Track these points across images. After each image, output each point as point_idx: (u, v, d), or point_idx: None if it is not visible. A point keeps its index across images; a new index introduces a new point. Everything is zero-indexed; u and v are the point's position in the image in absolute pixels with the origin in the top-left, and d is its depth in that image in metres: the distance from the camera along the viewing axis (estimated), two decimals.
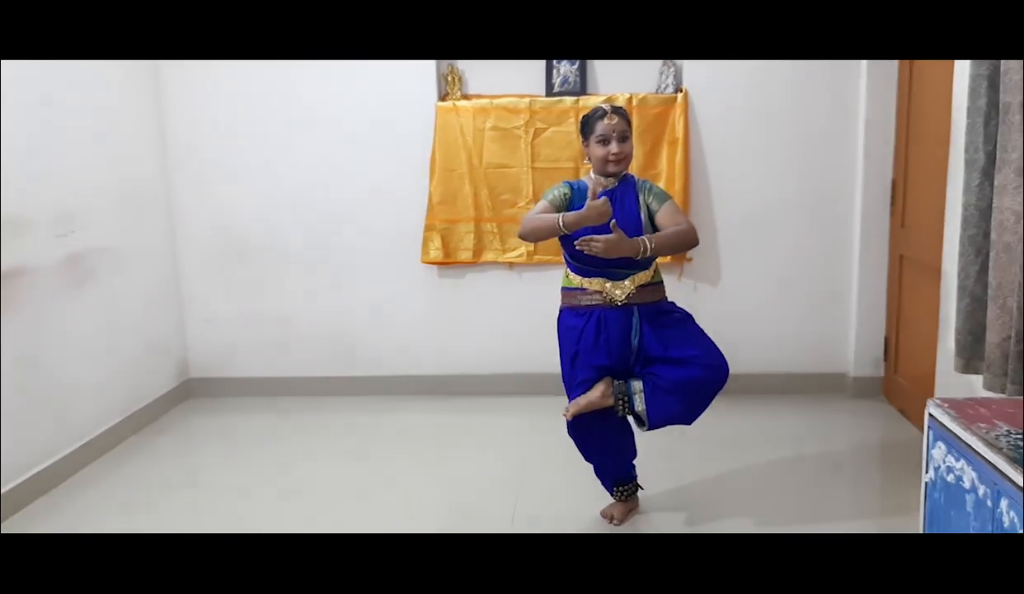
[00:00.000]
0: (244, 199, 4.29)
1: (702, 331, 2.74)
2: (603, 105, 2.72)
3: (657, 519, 2.93)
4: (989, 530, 1.70)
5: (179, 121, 4.25)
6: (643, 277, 2.70)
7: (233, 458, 3.65)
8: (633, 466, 2.93)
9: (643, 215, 2.69)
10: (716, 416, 2.91)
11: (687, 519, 2.92)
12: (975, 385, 2.59)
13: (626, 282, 2.68)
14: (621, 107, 2.75)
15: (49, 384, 3.36)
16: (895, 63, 3.85)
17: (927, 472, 1.99)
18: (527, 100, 4.07)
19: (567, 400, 2.78)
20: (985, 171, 2.44)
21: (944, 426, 1.90)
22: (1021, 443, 1.69)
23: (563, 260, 2.80)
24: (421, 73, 4.11)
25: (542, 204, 2.71)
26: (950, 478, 1.87)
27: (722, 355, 2.68)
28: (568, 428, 2.81)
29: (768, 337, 4.17)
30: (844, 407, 4.04)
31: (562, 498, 3.10)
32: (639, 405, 2.69)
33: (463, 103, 4.10)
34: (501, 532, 2.84)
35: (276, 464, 3.55)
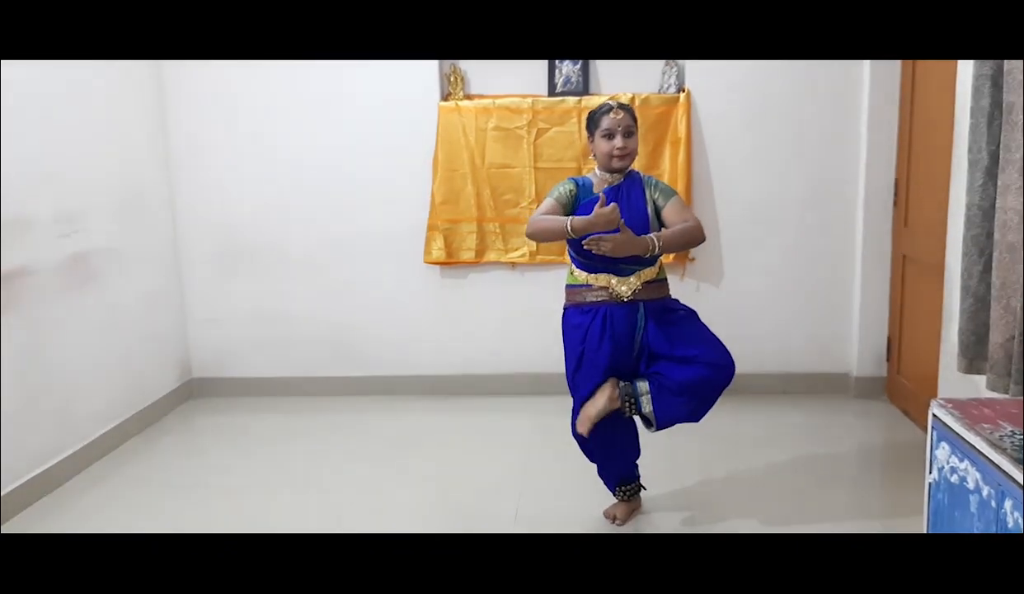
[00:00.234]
0: (246, 199, 4.29)
1: (706, 328, 2.73)
2: (610, 101, 2.71)
3: (659, 519, 2.93)
4: (993, 531, 1.69)
5: (181, 121, 4.25)
6: (648, 273, 2.70)
7: (235, 458, 3.65)
8: (636, 466, 2.92)
9: (650, 211, 2.69)
10: (718, 416, 2.90)
11: (689, 519, 2.92)
12: (978, 385, 2.58)
13: (632, 278, 2.67)
14: (628, 104, 2.74)
15: (51, 384, 3.36)
16: (898, 63, 3.84)
17: (931, 473, 1.99)
18: (529, 100, 4.07)
19: (571, 400, 2.78)
20: (988, 171, 2.44)
21: (948, 427, 1.89)
22: None
23: (566, 260, 2.80)
24: (423, 73, 4.11)
25: (548, 202, 2.70)
26: (954, 479, 1.87)
27: (728, 353, 2.68)
28: (573, 429, 2.81)
29: (770, 337, 4.17)
30: (847, 407, 4.03)
31: (564, 498, 3.10)
32: (646, 407, 2.68)
33: (465, 103, 4.10)
34: (503, 532, 2.84)
35: (278, 464, 3.55)
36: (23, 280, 3.19)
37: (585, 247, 2.54)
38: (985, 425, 1.80)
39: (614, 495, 2.93)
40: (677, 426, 2.75)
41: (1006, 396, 2.33)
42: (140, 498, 3.26)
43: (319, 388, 4.39)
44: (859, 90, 3.95)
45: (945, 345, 3.06)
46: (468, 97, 4.16)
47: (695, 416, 2.71)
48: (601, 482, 2.95)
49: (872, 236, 4.01)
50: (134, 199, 3.98)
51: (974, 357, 2.55)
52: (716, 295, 4.14)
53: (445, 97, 4.16)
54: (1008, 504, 1.63)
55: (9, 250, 3.10)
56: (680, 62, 4.04)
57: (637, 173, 2.77)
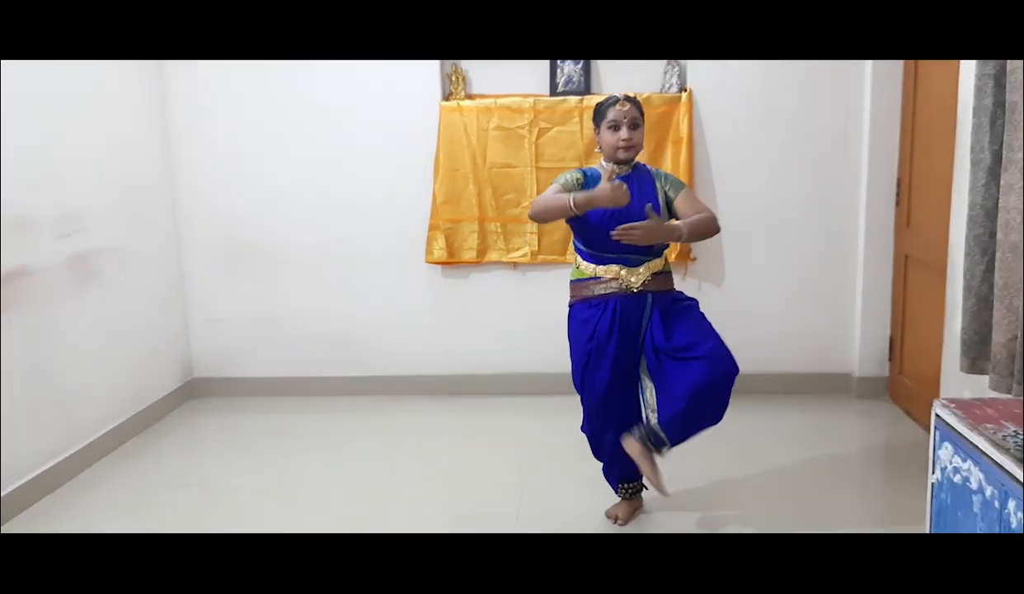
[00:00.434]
0: (248, 199, 4.29)
1: (707, 322, 2.71)
2: (617, 94, 2.71)
3: (661, 519, 2.92)
4: (996, 531, 1.69)
5: (183, 121, 4.25)
6: (656, 265, 2.70)
7: (237, 458, 3.64)
8: None
9: (661, 202, 2.68)
10: None
11: (691, 519, 2.91)
12: (981, 385, 2.58)
13: (641, 269, 2.67)
14: (634, 97, 2.72)
15: (52, 384, 3.36)
16: (900, 62, 3.83)
17: (934, 473, 1.99)
18: (531, 100, 4.06)
19: (573, 399, 2.77)
20: (991, 170, 2.43)
21: (951, 427, 1.89)
22: None
23: (567, 260, 2.79)
24: (425, 73, 4.10)
25: (554, 187, 2.69)
26: (957, 479, 1.86)
27: (727, 349, 2.65)
28: (584, 426, 2.81)
29: (772, 337, 4.16)
30: (849, 407, 4.02)
31: (566, 498, 3.10)
32: (664, 444, 2.65)
33: (467, 103, 4.10)
34: (505, 532, 2.83)
35: (280, 464, 3.55)
36: (25, 280, 3.19)
37: (614, 237, 2.51)
38: (988, 425, 1.80)
39: (616, 493, 2.93)
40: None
41: (1009, 396, 2.33)
42: (141, 498, 3.26)
43: (320, 388, 4.39)
44: (861, 89, 3.94)
45: (947, 345, 3.05)
46: (470, 97, 4.15)
47: (713, 421, 2.65)
48: (602, 482, 2.95)
49: (874, 236, 4.00)
50: (135, 199, 3.98)
51: (977, 357, 2.54)
52: (718, 294, 4.13)
53: (447, 97, 4.15)
54: (1011, 504, 1.63)
55: (10, 250, 3.10)
56: (682, 62, 4.03)
57: (644, 166, 2.76)
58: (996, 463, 1.69)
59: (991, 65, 2.41)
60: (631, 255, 2.64)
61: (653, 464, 2.64)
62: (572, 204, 2.54)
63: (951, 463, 1.89)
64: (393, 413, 4.15)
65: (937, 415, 1.96)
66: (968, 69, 2.79)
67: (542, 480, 3.27)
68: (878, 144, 3.92)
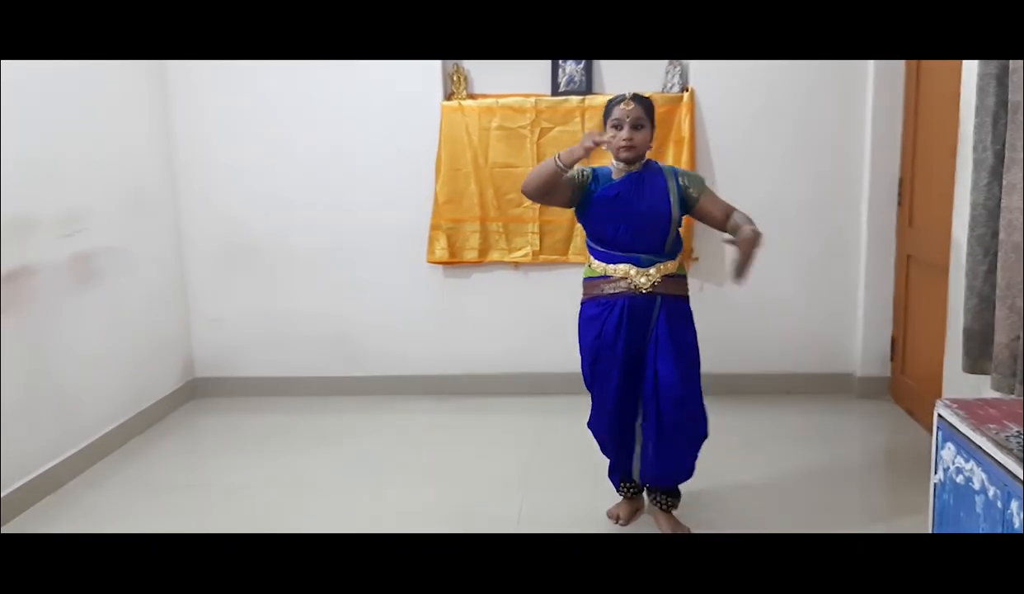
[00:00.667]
0: (250, 199, 4.29)
1: (698, 367, 2.74)
2: (626, 92, 2.69)
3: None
4: (999, 531, 1.69)
5: (185, 121, 4.25)
6: (669, 267, 2.68)
7: (238, 458, 3.64)
8: None
9: (672, 199, 2.65)
10: (721, 416, 2.90)
11: (692, 520, 2.91)
12: (983, 386, 2.57)
13: (651, 270, 2.65)
14: (645, 97, 2.70)
15: (54, 384, 3.36)
16: (902, 62, 3.83)
17: (936, 473, 1.98)
18: (533, 99, 4.06)
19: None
20: (994, 170, 2.43)
21: (953, 427, 1.89)
22: None
23: (569, 259, 2.79)
24: (427, 73, 4.10)
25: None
26: (959, 479, 1.86)
27: (705, 414, 2.73)
28: (590, 423, 2.81)
29: (774, 337, 4.16)
30: (851, 407, 4.02)
31: (568, 498, 3.09)
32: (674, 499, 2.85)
33: (469, 103, 4.10)
34: (507, 532, 2.83)
35: (281, 464, 3.55)
36: (27, 279, 3.19)
37: (741, 286, 2.58)
38: (991, 425, 1.79)
39: (617, 491, 2.93)
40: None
41: (1011, 396, 2.33)
42: (142, 498, 3.26)
43: (322, 388, 4.39)
44: (863, 89, 3.93)
45: (949, 345, 3.05)
46: (471, 96, 4.15)
47: (681, 473, 2.79)
48: (603, 482, 2.94)
49: (876, 236, 3.99)
50: (137, 198, 3.98)
51: (979, 357, 2.54)
52: (719, 294, 4.12)
53: (448, 96, 4.15)
54: (1014, 505, 1.63)
55: (12, 249, 3.10)
56: (684, 61, 4.03)
57: (656, 163, 2.74)
58: (999, 463, 1.69)
59: (993, 65, 2.40)
60: (642, 255, 2.64)
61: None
62: (557, 160, 2.53)
63: (953, 463, 1.89)
64: (394, 413, 4.14)
65: (939, 415, 1.95)
66: (970, 69, 2.78)
67: (543, 480, 3.27)
68: (880, 144, 3.92)
